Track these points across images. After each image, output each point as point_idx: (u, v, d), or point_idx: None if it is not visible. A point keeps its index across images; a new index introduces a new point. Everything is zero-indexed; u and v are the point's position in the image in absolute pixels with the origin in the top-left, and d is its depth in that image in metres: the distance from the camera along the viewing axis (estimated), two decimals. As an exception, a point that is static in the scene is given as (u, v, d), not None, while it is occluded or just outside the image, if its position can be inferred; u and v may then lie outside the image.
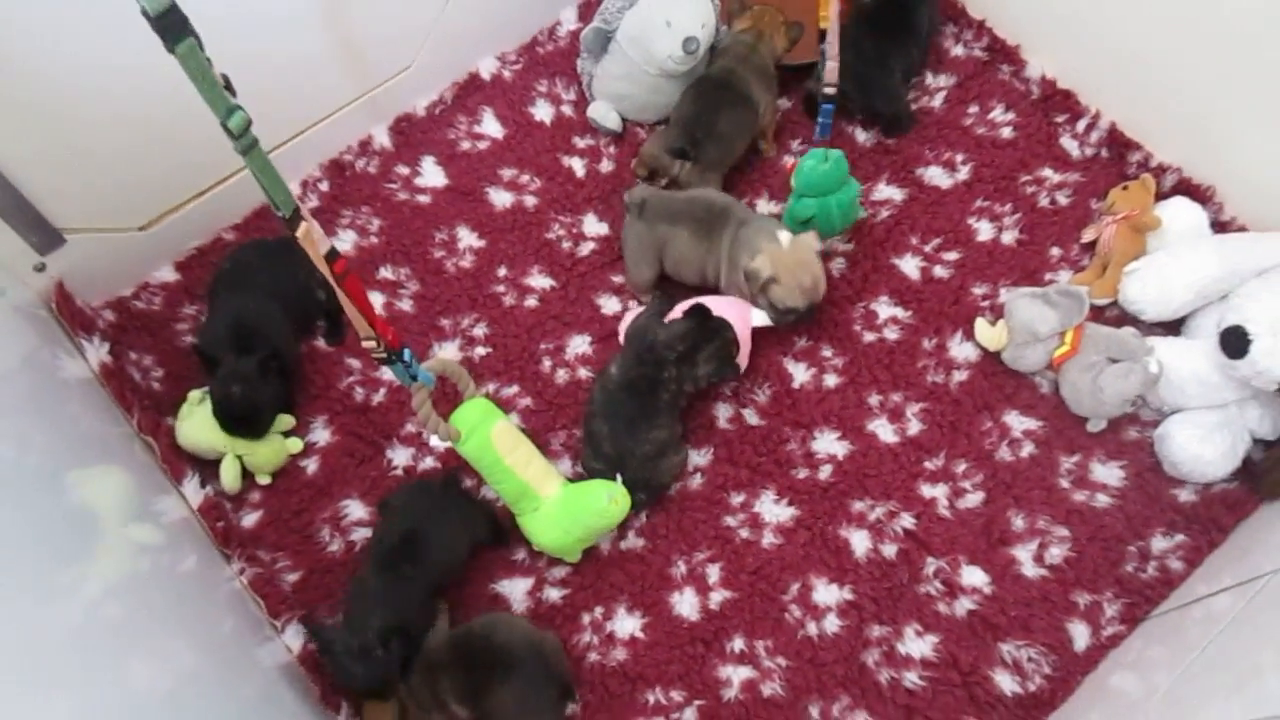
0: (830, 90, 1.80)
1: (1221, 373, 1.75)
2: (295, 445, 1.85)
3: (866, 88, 2.08)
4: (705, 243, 1.87)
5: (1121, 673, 1.65)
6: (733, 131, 1.97)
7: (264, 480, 1.84)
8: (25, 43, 1.55)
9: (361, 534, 1.80)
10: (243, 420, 1.77)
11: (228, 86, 0.98)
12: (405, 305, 1.99)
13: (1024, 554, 1.78)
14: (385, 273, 2.02)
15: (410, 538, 1.62)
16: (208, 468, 1.82)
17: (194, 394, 1.81)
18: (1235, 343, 1.64)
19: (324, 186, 2.10)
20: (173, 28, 0.85)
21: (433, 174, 2.12)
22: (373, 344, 1.35)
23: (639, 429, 1.73)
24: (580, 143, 2.16)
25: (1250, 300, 1.65)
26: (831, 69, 1.78)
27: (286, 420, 1.86)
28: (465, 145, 2.16)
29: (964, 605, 1.74)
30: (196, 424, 1.79)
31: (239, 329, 1.79)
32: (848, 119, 2.18)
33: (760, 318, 1.86)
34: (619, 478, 1.77)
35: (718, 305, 1.82)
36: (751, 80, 2.01)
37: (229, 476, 1.79)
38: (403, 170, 2.13)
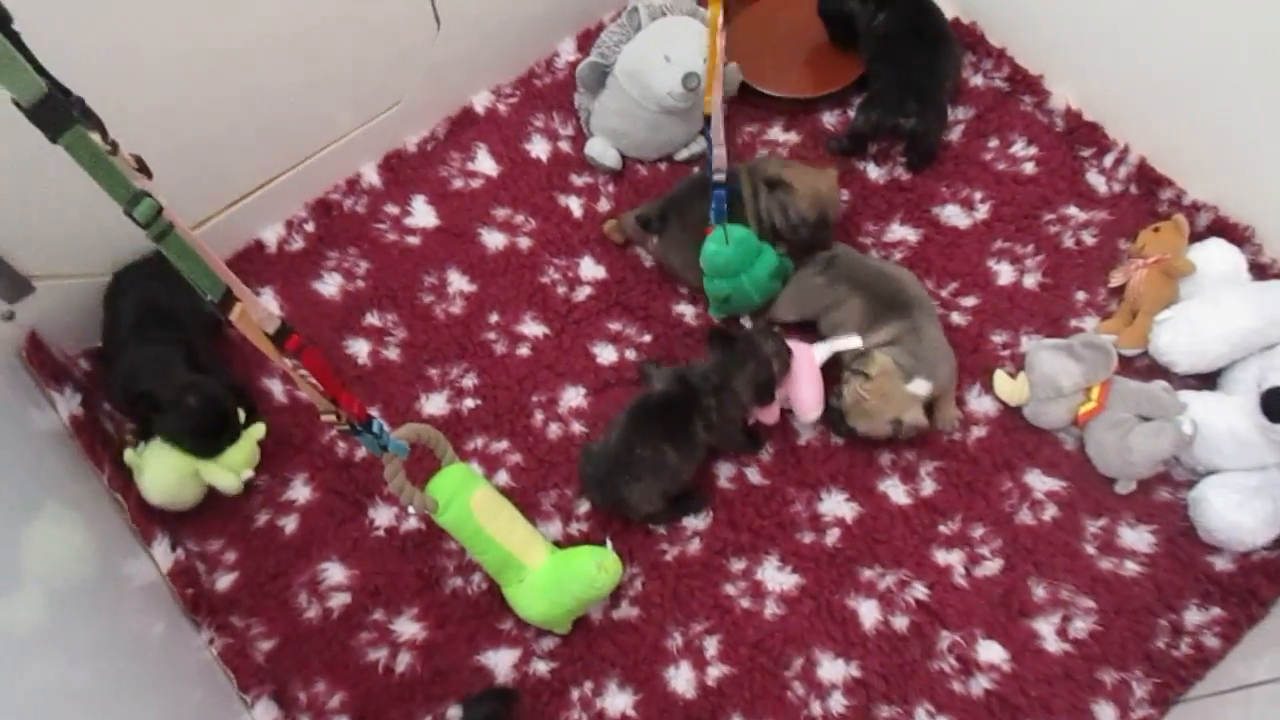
0: (720, 177, 1.71)
1: (1262, 433, 1.62)
2: (259, 430, 1.77)
3: (925, 101, 1.97)
4: (871, 321, 1.77)
5: (1152, 762, 1.53)
6: (704, 223, 1.81)
7: (248, 475, 1.75)
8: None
9: (340, 599, 1.70)
10: (220, 424, 1.70)
11: (141, 168, 0.89)
12: (392, 354, 1.90)
13: (1045, 627, 1.66)
14: (372, 319, 1.93)
15: None
16: (181, 528, 1.74)
17: (129, 453, 1.72)
18: (1278, 405, 1.51)
19: (310, 227, 2.01)
20: (52, 118, 0.75)
21: (423, 214, 2.03)
22: (332, 418, 1.25)
23: (653, 435, 1.65)
24: (578, 180, 2.06)
25: (1294, 360, 1.53)
26: (720, 156, 1.70)
27: (258, 428, 1.78)
28: (458, 183, 2.06)
29: (980, 683, 1.62)
30: (156, 468, 1.69)
31: (154, 359, 1.70)
32: (860, 153, 2.06)
33: (824, 352, 1.75)
34: (609, 543, 1.68)
35: None
36: (752, 200, 1.85)
37: (228, 481, 1.71)
38: (392, 210, 2.04)
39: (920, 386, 1.69)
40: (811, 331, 1.86)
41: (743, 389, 1.66)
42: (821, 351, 1.75)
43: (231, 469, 1.73)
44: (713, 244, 1.73)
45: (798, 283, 1.84)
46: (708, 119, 1.67)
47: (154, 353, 1.69)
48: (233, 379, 1.83)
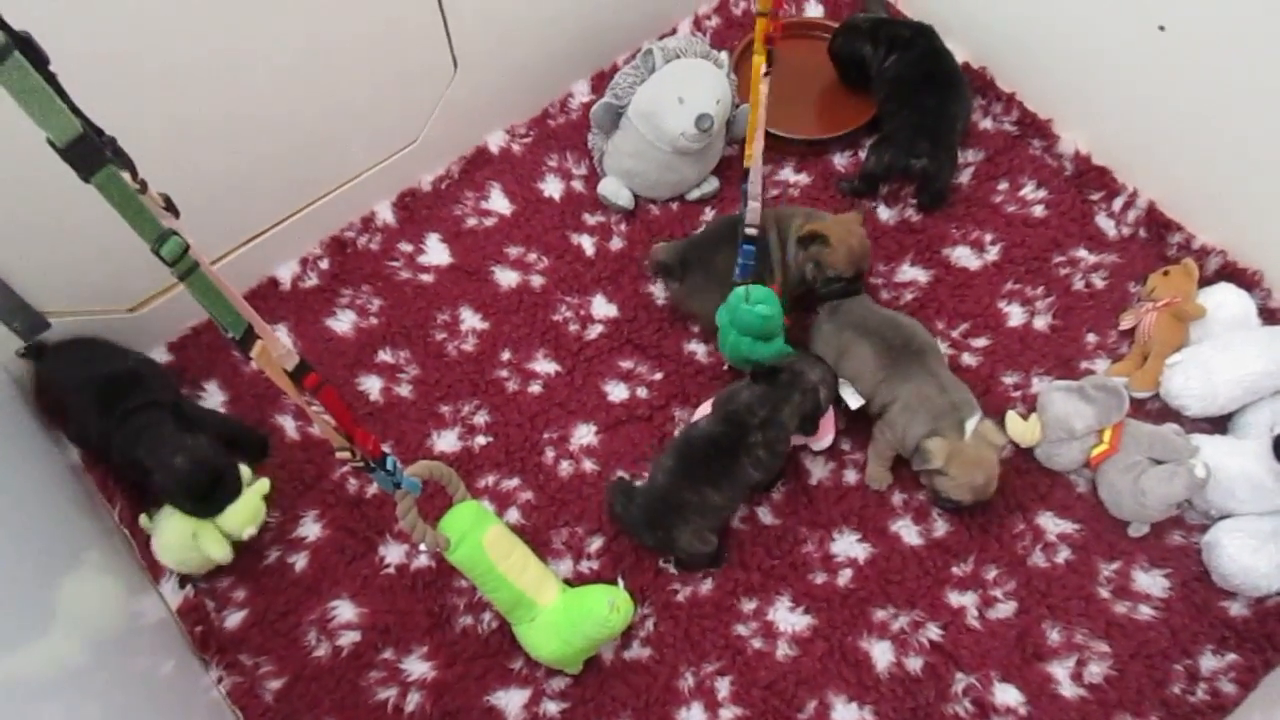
0: (752, 231, 1.68)
1: (1275, 478, 1.62)
2: (264, 486, 1.73)
3: (937, 142, 1.98)
4: (885, 372, 1.73)
5: (1170, 810, 1.51)
6: (723, 273, 1.80)
7: (250, 532, 1.69)
8: None
9: (349, 637, 1.69)
10: (212, 484, 1.64)
11: (169, 207, 0.90)
12: (404, 391, 1.90)
13: (1061, 671, 1.64)
14: (384, 356, 1.93)
15: None
16: (190, 565, 1.73)
17: (144, 518, 1.70)
18: (1291, 450, 1.51)
19: (324, 264, 2.02)
20: (86, 158, 0.76)
21: (437, 252, 2.04)
22: (347, 454, 1.25)
23: (697, 478, 1.63)
24: (590, 220, 2.08)
25: (1307, 404, 1.53)
26: (754, 209, 1.66)
27: (262, 484, 1.73)
28: (471, 222, 2.08)
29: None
30: (162, 534, 1.67)
31: (141, 427, 1.64)
32: (871, 194, 2.08)
33: (850, 397, 1.75)
34: (621, 582, 1.67)
35: None
36: (777, 248, 1.86)
37: (218, 551, 1.66)
38: (406, 248, 2.05)
39: (971, 425, 1.67)
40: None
41: (790, 419, 1.65)
42: (854, 399, 1.76)
43: (234, 528, 1.68)
44: (739, 292, 1.71)
45: (817, 336, 1.84)
46: (745, 173, 1.64)
47: (141, 421, 1.64)
48: (232, 424, 1.81)
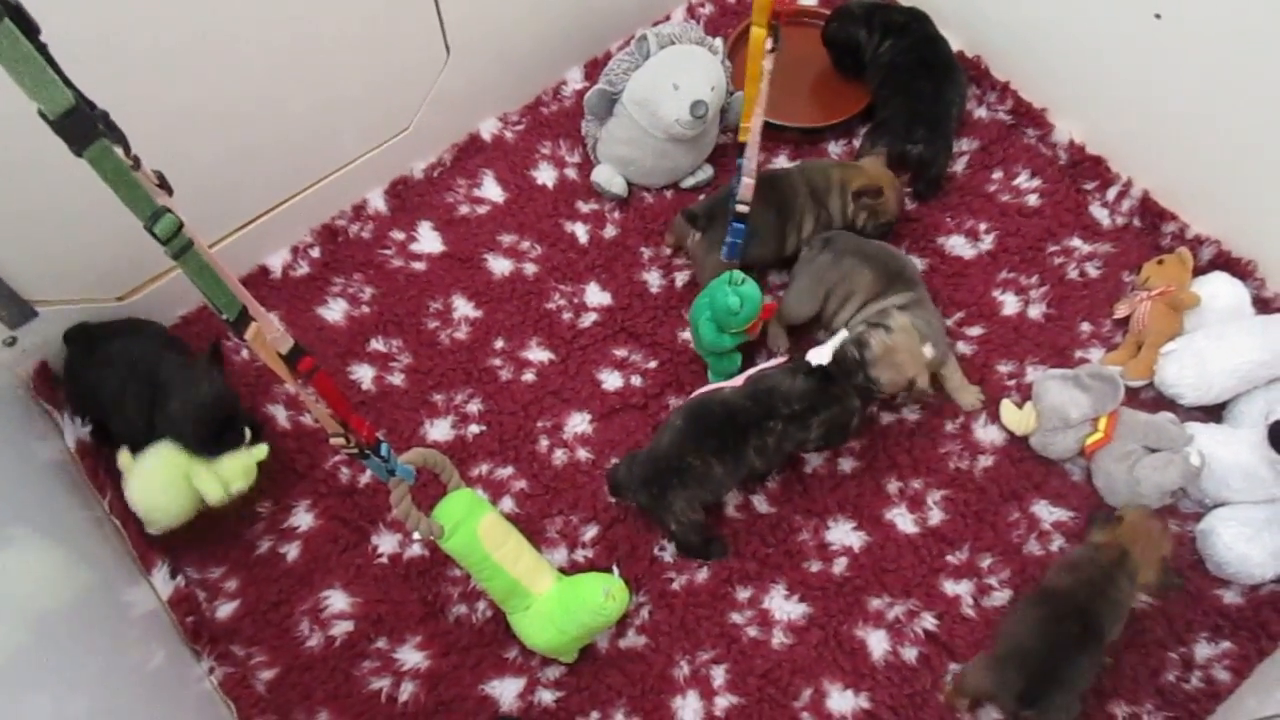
0: (743, 209, 1.68)
1: (1270, 466, 1.62)
2: (261, 451, 1.70)
3: (933, 128, 1.98)
4: (881, 290, 1.81)
5: (1165, 797, 1.51)
6: (755, 229, 1.78)
7: (238, 488, 1.66)
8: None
9: (342, 627, 1.68)
10: (225, 421, 1.65)
11: (162, 184, 0.88)
12: (396, 380, 1.88)
13: (1056, 659, 1.64)
14: (376, 345, 1.91)
15: None
16: (181, 555, 1.71)
17: (124, 454, 1.66)
18: (1286, 438, 1.51)
19: (315, 253, 2.00)
20: (78, 131, 0.74)
21: (429, 240, 2.03)
22: (341, 441, 1.24)
23: (706, 447, 1.60)
24: (584, 207, 2.07)
25: (1302, 392, 1.53)
26: (747, 185, 1.66)
27: (260, 449, 1.70)
28: (464, 209, 2.06)
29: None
30: (147, 469, 1.64)
31: (146, 378, 1.66)
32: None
33: (825, 354, 1.68)
34: (616, 570, 1.66)
35: None
36: (808, 202, 1.88)
37: (214, 490, 1.64)
38: (398, 236, 2.03)
39: (930, 350, 1.68)
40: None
41: (816, 427, 1.63)
42: (824, 354, 1.73)
43: (223, 480, 1.66)
44: (722, 283, 1.71)
45: (806, 272, 1.84)
46: (741, 147, 1.64)
47: (178, 354, 1.71)
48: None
